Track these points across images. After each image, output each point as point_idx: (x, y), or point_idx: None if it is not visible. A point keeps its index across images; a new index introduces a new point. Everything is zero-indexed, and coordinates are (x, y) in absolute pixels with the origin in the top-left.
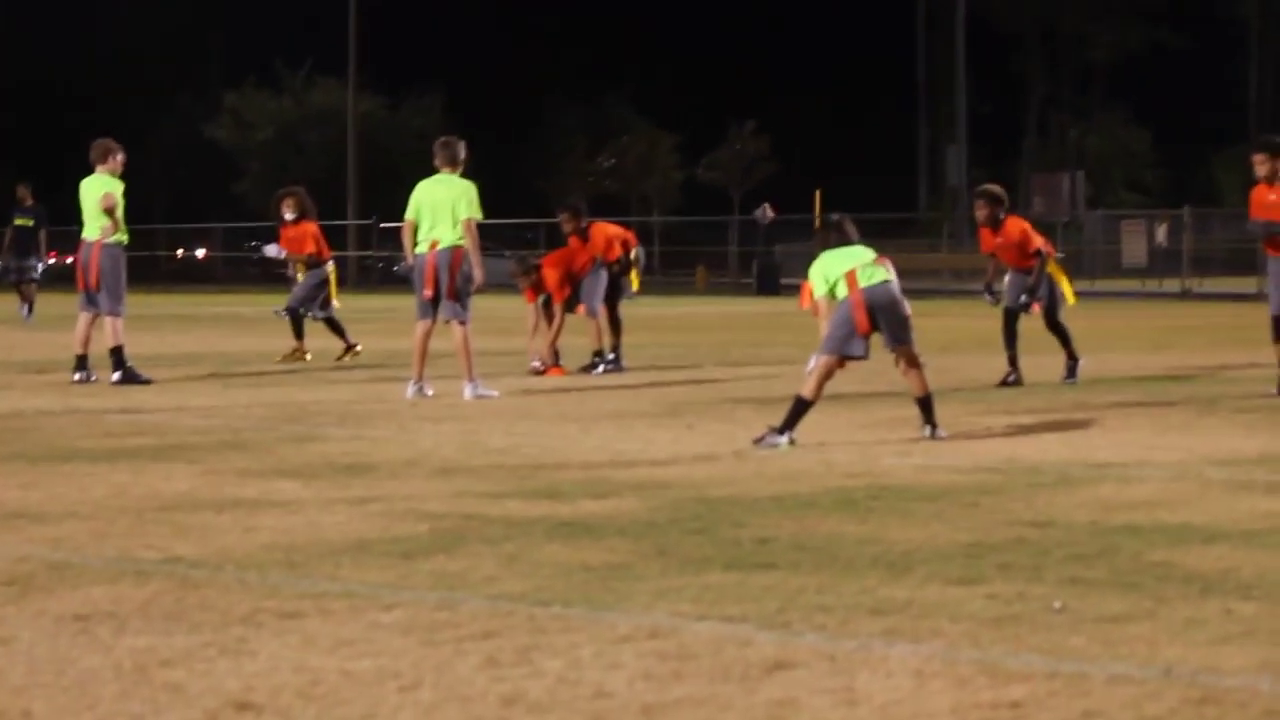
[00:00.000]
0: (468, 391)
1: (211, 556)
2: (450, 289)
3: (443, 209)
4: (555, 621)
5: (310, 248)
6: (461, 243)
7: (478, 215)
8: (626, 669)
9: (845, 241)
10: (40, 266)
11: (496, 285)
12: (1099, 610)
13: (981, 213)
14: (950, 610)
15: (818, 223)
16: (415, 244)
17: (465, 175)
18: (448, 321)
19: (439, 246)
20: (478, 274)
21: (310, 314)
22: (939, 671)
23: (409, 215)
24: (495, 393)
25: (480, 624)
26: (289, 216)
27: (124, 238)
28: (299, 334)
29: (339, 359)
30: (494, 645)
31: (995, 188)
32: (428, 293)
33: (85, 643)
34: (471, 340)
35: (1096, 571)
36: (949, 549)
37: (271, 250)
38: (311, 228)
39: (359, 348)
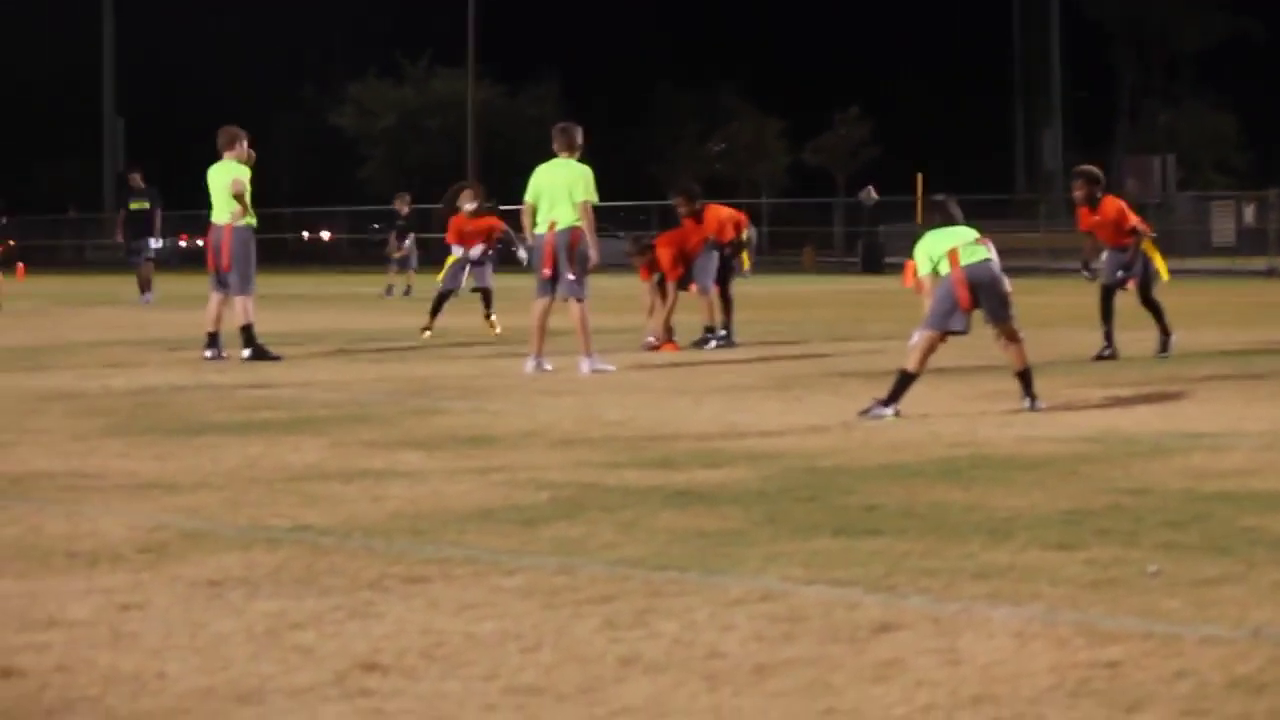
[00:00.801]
0: (585, 366)
1: (340, 524)
2: (569, 267)
3: (560, 192)
4: (671, 585)
5: (481, 241)
6: (579, 224)
7: (594, 198)
8: (739, 630)
9: (949, 221)
10: (155, 245)
11: (611, 265)
12: (1192, 574)
13: (1080, 192)
14: (1050, 574)
15: (920, 204)
16: (534, 225)
17: (582, 160)
18: (565, 299)
19: (557, 228)
20: (594, 254)
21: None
22: (1039, 633)
23: (528, 198)
24: (611, 367)
25: (598, 588)
26: (468, 208)
27: (252, 221)
28: (435, 311)
29: (492, 328)
30: (612, 608)
31: (1093, 168)
32: (546, 271)
33: (218, 607)
34: (589, 317)
35: (1190, 537)
36: (1049, 515)
37: (475, 253)
38: (491, 220)
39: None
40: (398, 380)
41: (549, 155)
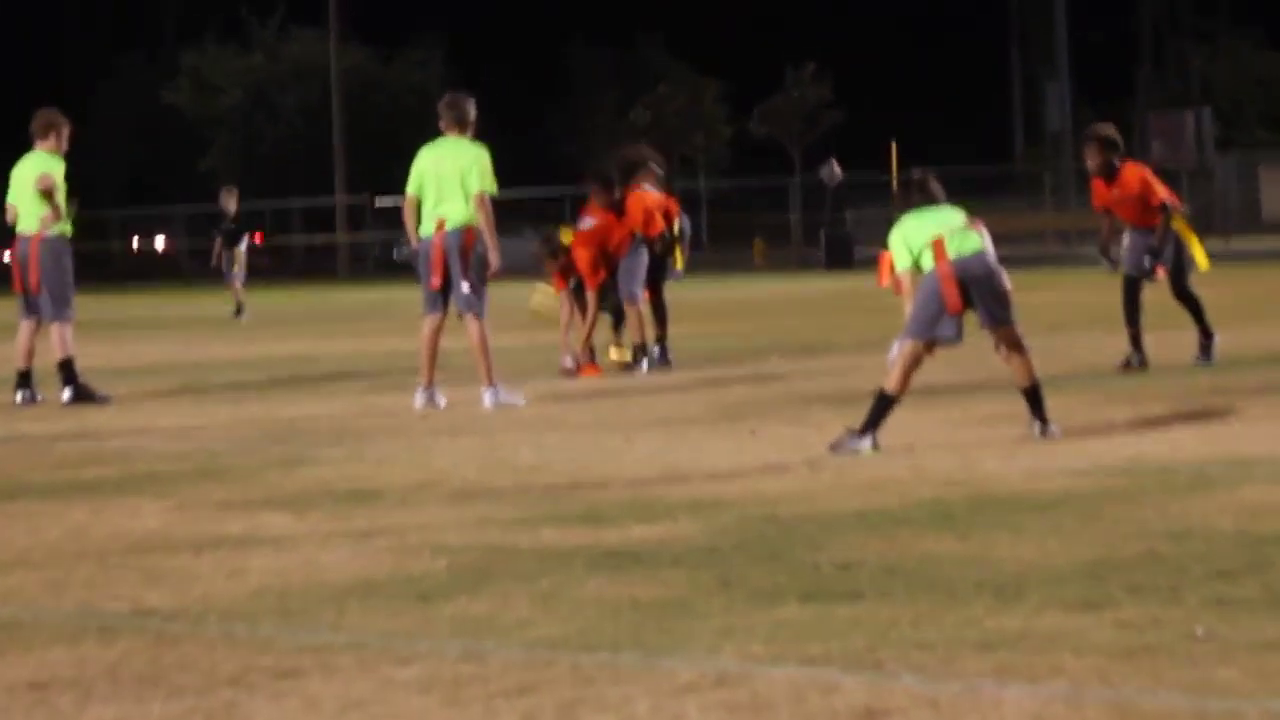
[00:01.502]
0: (488, 399)
1: (191, 607)
2: (463, 275)
3: (450, 181)
4: (603, 671)
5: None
6: (474, 221)
7: (492, 188)
8: None
9: (930, 201)
10: None
11: (518, 270)
12: (1250, 636)
13: (1093, 160)
14: (1072, 642)
15: (895, 182)
16: (419, 224)
17: (476, 139)
18: (461, 315)
19: (447, 227)
20: (494, 257)
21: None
22: (1062, 716)
23: (410, 190)
24: (521, 400)
25: (514, 677)
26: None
27: (67, 229)
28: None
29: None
30: (531, 702)
31: (1108, 128)
32: (435, 281)
33: (44, 716)
34: (489, 337)
35: (1245, 590)
36: (1067, 569)
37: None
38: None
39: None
40: (257, 423)
41: (435, 135)
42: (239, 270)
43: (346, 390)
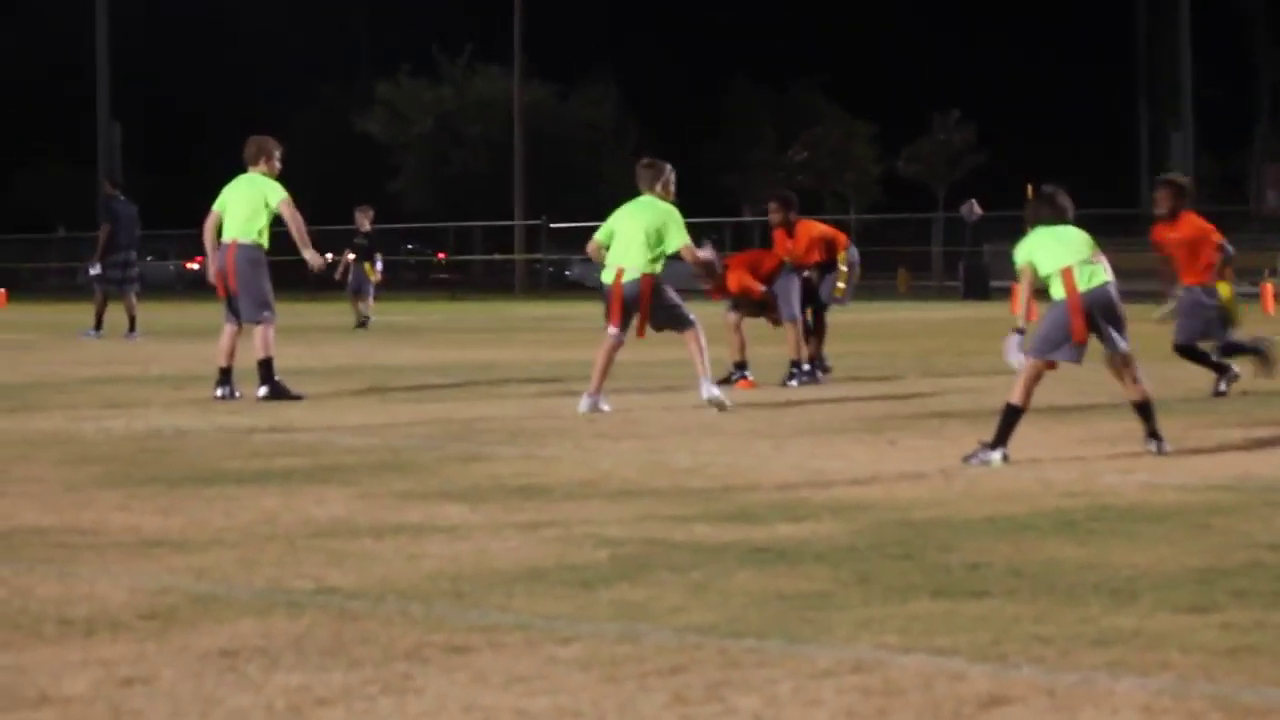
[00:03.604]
0: (704, 391)
1: (371, 587)
2: (648, 317)
3: (635, 236)
4: (748, 655)
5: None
6: (651, 270)
7: (685, 240)
8: (827, 706)
9: (1059, 218)
10: (93, 272)
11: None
12: None
13: (1164, 205)
14: (1180, 640)
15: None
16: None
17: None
18: (681, 329)
19: (624, 278)
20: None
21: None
22: (1169, 708)
23: (600, 237)
24: (722, 398)
25: (667, 658)
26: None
27: (263, 240)
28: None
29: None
30: (682, 681)
31: (1182, 177)
32: (614, 321)
33: (233, 681)
34: (704, 338)
35: None
36: (1178, 574)
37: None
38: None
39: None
40: (436, 422)
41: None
42: (370, 285)
43: (520, 394)
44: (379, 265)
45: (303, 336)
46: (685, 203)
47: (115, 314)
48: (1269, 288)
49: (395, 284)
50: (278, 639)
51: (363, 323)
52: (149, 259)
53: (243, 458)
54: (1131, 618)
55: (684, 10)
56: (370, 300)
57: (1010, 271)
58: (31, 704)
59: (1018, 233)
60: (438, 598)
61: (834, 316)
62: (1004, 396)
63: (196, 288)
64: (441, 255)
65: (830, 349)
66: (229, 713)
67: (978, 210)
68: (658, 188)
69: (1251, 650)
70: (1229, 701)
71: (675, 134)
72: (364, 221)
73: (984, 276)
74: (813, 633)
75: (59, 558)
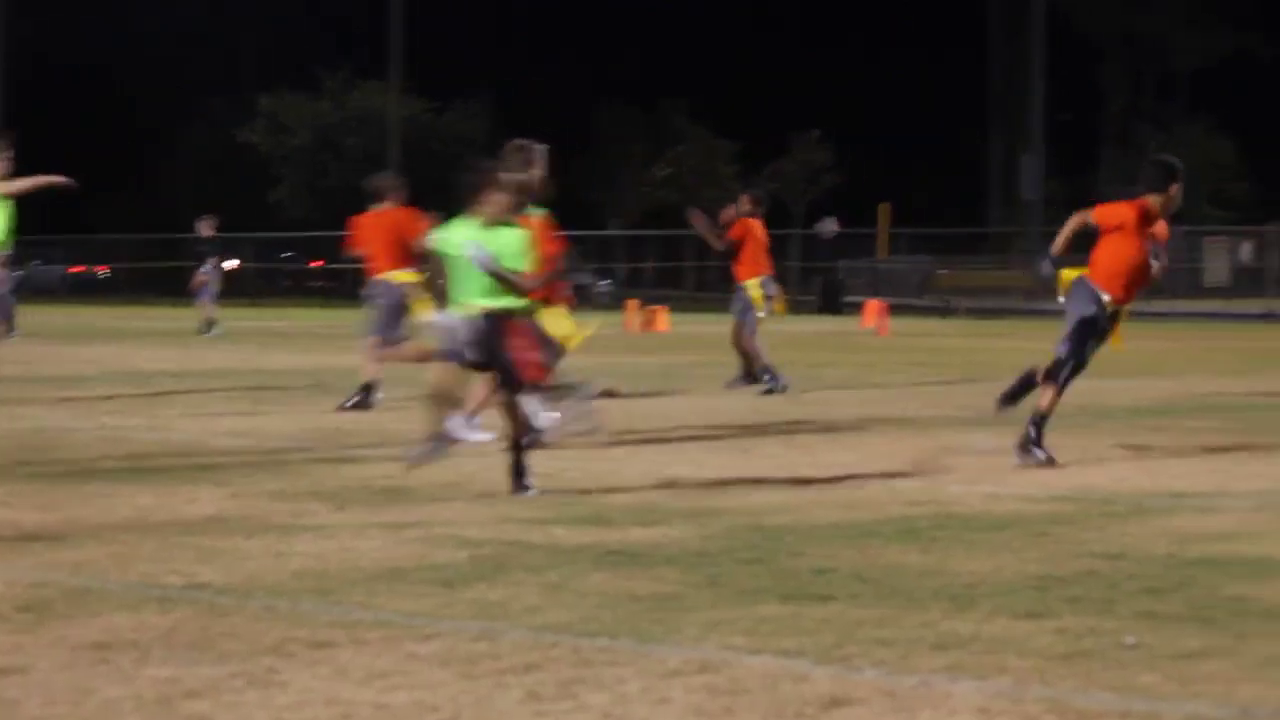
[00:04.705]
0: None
1: (239, 583)
2: None
3: None
4: (601, 654)
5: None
6: None
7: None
8: (675, 704)
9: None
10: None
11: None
12: (1173, 646)
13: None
14: (1017, 645)
15: (880, 237)
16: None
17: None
18: None
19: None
20: None
21: None
22: (1005, 710)
23: None
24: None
25: (522, 656)
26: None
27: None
28: None
29: None
30: (536, 679)
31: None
32: None
33: (106, 672)
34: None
35: (1171, 606)
36: (1016, 581)
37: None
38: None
39: None
40: (307, 425)
41: None
42: (208, 290)
43: (390, 399)
44: (205, 268)
45: (178, 340)
46: (557, 216)
47: None
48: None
49: (271, 291)
50: (149, 632)
51: (207, 328)
52: (36, 263)
53: (119, 457)
54: (970, 623)
55: (557, 32)
56: (209, 303)
57: (861, 287)
58: None
59: (870, 249)
60: (303, 595)
61: (699, 329)
62: (854, 409)
63: (81, 291)
64: (317, 263)
65: (686, 359)
66: (101, 703)
67: (834, 228)
68: None
69: (1085, 655)
70: (1063, 705)
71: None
72: (206, 229)
73: (839, 291)
74: (663, 633)
75: None
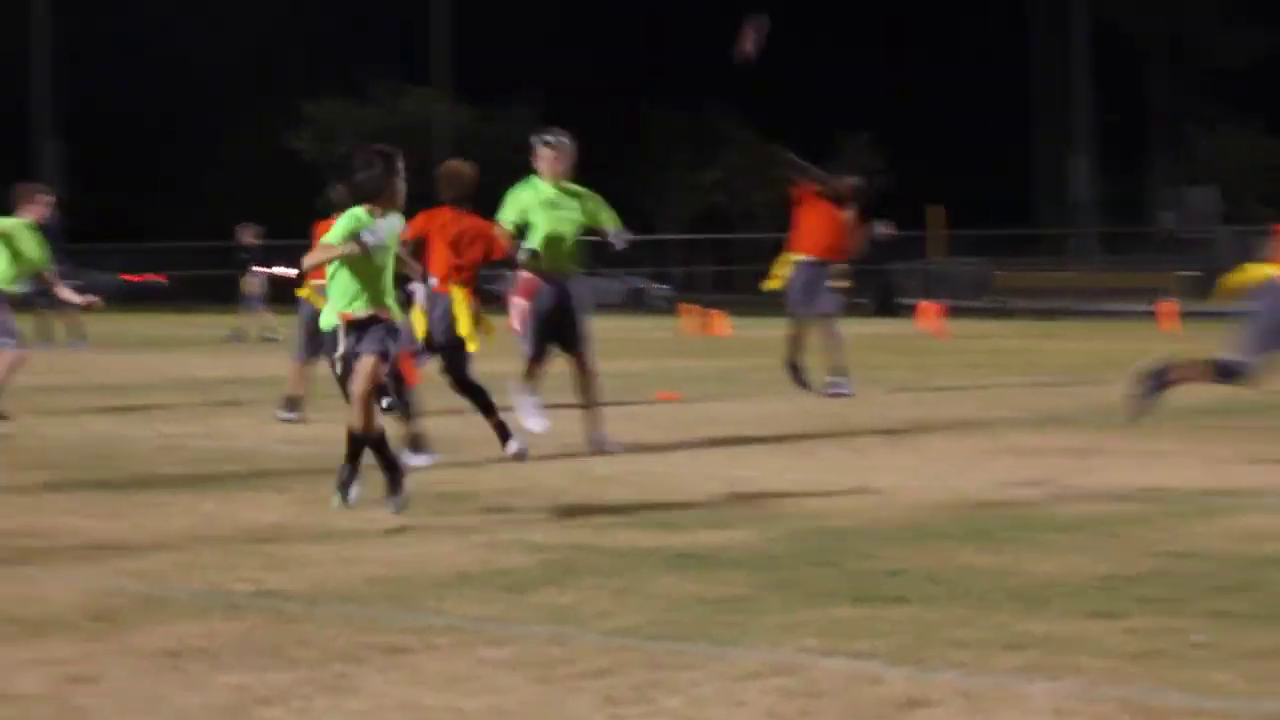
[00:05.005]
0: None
1: (308, 589)
2: None
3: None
4: (674, 657)
5: None
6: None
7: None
8: (751, 707)
9: None
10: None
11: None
12: (1245, 645)
13: None
14: (1089, 645)
15: (928, 238)
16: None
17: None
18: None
19: None
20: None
21: None
22: (1078, 709)
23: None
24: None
25: (594, 660)
26: None
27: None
28: None
29: None
30: (609, 683)
31: None
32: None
33: (177, 680)
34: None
35: (1241, 604)
36: (1086, 581)
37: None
38: None
39: None
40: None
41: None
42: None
43: (452, 403)
44: (252, 274)
45: (232, 347)
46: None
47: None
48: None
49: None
50: (219, 639)
51: (240, 335)
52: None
53: (182, 464)
54: (1043, 623)
55: (604, 37)
56: (260, 310)
57: (914, 289)
58: None
59: (923, 252)
60: (373, 600)
61: (751, 331)
62: (913, 411)
63: (134, 299)
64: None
65: (742, 363)
66: (173, 710)
67: (886, 230)
68: None
69: (1156, 654)
70: (1135, 704)
71: (595, 155)
72: (248, 236)
73: (892, 293)
74: (735, 636)
75: (10, 560)
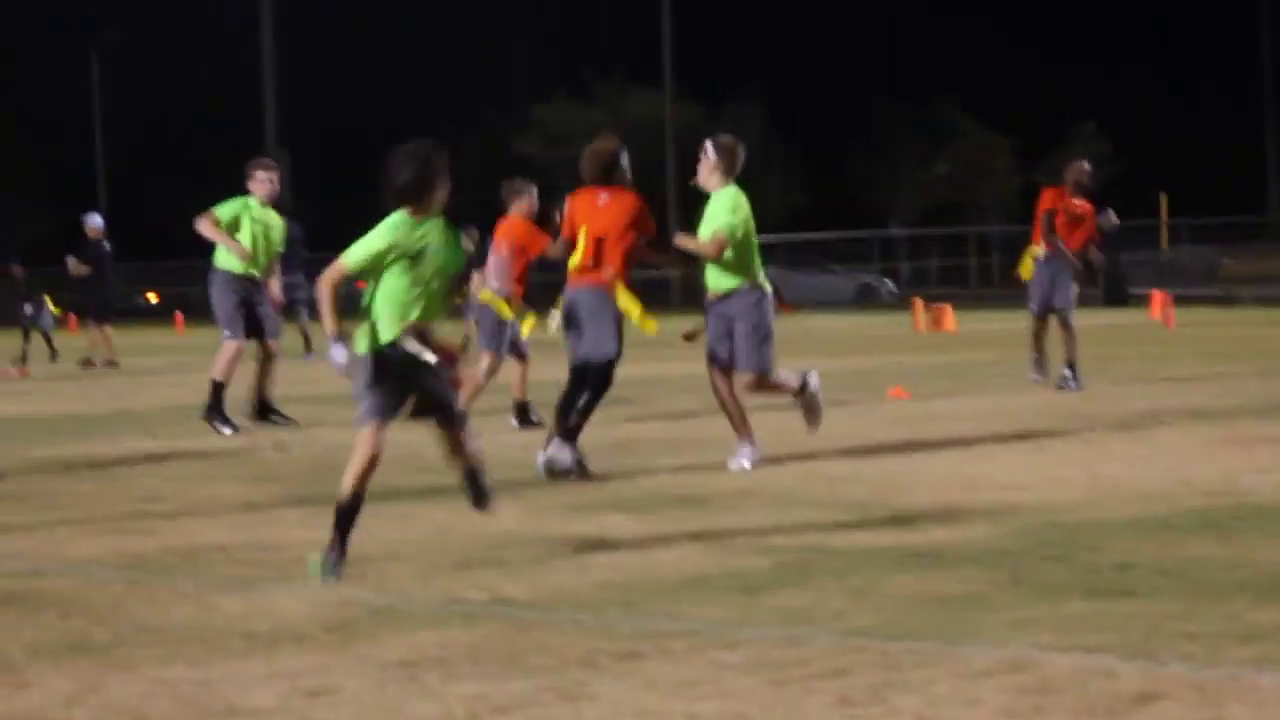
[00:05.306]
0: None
1: (543, 597)
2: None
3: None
4: (908, 656)
5: None
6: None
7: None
8: (986, 705)
9: None
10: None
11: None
12: None
13: None
14: None
15: (1164, 228)
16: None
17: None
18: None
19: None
20: None
21: None
22: None
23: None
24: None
25: (830, 661)
26: None
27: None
28: None
29: None
30: (845, 683)
31: None
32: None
33: (414, 690)
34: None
35: None
36: None
37: None
38: None
39: None
40: (600, 437)
41: (752, 183)
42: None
43: (674, 408)
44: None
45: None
46: (836, 218)
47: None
48: None
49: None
50: (455, 649)
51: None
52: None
53: (412, 474)
54: (1274, 614)
55: (827, 32)
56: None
57: (1144, 278)
58: (219, 716)
59: (1152, 241)
60: (607, 606)
61: (976, 326)
62: (1144, 401)
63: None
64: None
65: (970, 357)
66: None
67: (1114, 220)
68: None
69: None
70: None
71: (821, 150)
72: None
73: (1122, 283)
74: (969, 633)
75: (242, 574)
